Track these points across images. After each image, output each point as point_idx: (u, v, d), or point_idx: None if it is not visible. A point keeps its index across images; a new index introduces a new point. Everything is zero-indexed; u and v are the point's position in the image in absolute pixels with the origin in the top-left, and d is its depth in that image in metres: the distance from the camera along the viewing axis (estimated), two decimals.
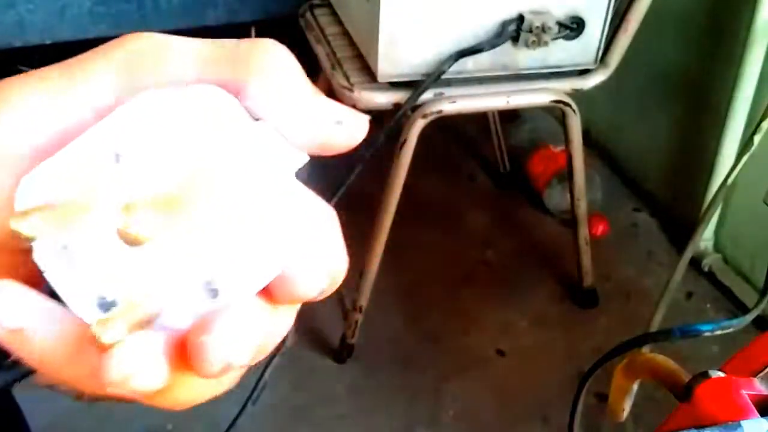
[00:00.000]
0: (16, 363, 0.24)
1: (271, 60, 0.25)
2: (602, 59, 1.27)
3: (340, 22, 1.36)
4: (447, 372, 1.43)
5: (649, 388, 0.59)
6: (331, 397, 1.39)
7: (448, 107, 1.22)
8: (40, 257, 0.23)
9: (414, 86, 1.18)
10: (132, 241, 0.21)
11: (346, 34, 1.33)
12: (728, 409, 0.46)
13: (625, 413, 0.66)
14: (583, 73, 1.28)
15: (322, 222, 0.24)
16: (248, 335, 0.22)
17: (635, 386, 0.62)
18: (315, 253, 0.24)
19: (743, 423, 0.44)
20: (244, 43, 0.25)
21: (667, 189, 1.78)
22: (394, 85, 1.20)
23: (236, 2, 1.71)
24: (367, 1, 1.16)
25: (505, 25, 1.17)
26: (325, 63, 1.30)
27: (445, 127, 1.29)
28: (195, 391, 0.24)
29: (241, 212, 0.22)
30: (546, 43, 1.18)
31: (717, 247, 1.62)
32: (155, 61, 0.24)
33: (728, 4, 1.51)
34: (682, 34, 1.65)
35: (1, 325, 0.22)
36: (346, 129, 0.25)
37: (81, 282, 0.22)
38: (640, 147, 1.85)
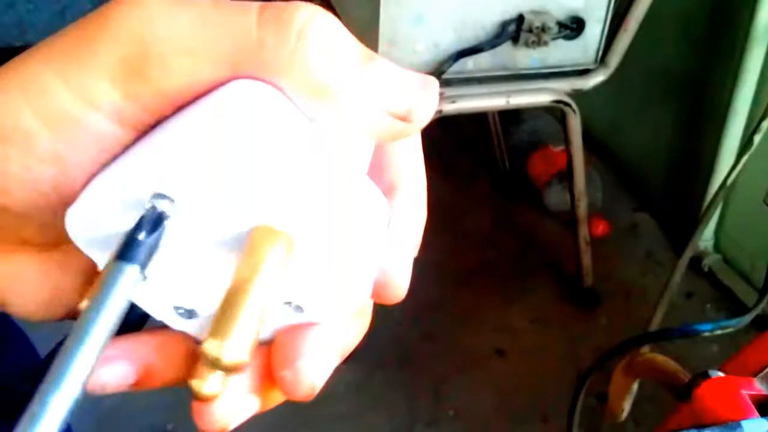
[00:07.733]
0: None
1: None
2: (602, 59, 1.27)
3: None
4: (447, 371, 1.43)
5: (649, 388, 0.59)
6: (331, 396, 1.39)
7: (448, 107, 1.22)
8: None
9: None
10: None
11: None
12: (728, 409, 0.46)
13: (625, 413, 0.66)
14: (583, 73, 1.28)
15: (387, 218, 0.22)
16: (330, 359, 0.21)
17: (635, 386, 0.62)
18: (402, 258, 0.21)
19: (743, 423, 0.44)
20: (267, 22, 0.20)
21: (667, 189, 1.78)
22: None
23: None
24: (367, 1, 1.16)
25: (505, 25, 1.17)
26: None
27: (445, 127, 1.29)
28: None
29: (329, 237, 0.20)
30: (546, 43, 1.18)
31: (717, 247, 1.62)
32: (160, 69, 0.19)
33: (728, 4, 1.51)
34: (682, 34, 1.65)
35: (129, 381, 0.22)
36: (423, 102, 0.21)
37: (158, 295, 0.22)
38: (640, 147, 1.85)
